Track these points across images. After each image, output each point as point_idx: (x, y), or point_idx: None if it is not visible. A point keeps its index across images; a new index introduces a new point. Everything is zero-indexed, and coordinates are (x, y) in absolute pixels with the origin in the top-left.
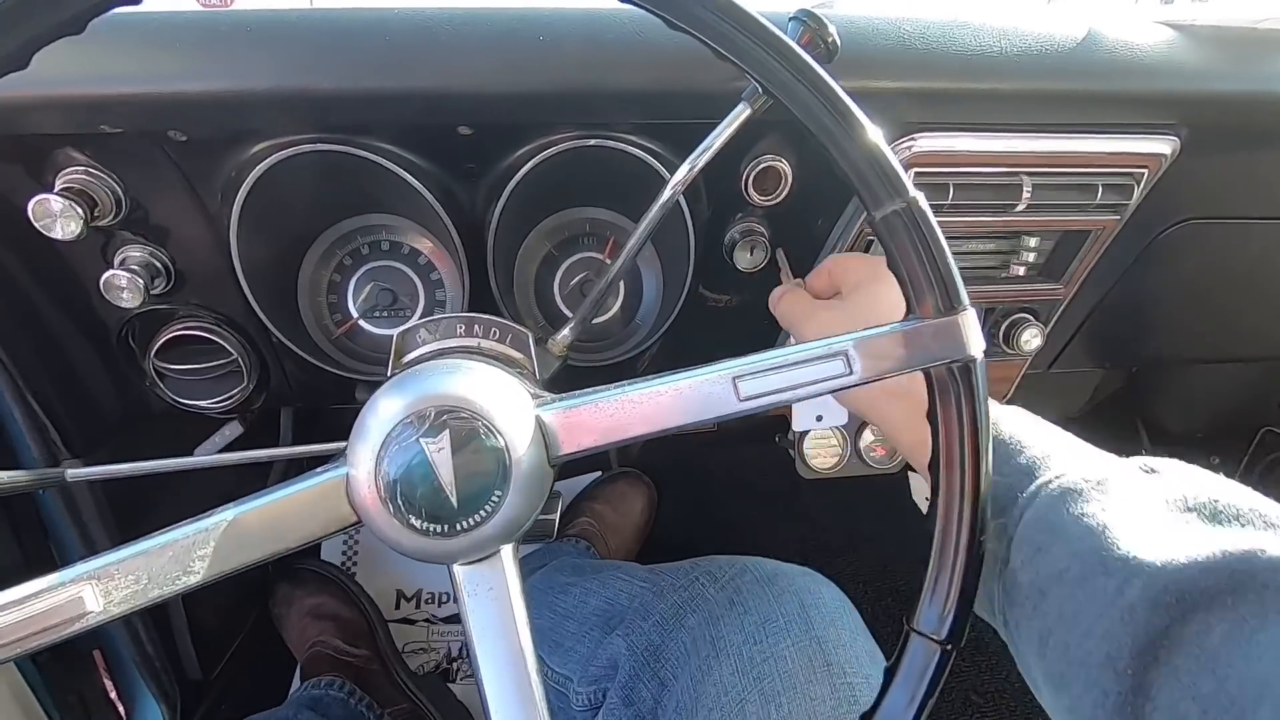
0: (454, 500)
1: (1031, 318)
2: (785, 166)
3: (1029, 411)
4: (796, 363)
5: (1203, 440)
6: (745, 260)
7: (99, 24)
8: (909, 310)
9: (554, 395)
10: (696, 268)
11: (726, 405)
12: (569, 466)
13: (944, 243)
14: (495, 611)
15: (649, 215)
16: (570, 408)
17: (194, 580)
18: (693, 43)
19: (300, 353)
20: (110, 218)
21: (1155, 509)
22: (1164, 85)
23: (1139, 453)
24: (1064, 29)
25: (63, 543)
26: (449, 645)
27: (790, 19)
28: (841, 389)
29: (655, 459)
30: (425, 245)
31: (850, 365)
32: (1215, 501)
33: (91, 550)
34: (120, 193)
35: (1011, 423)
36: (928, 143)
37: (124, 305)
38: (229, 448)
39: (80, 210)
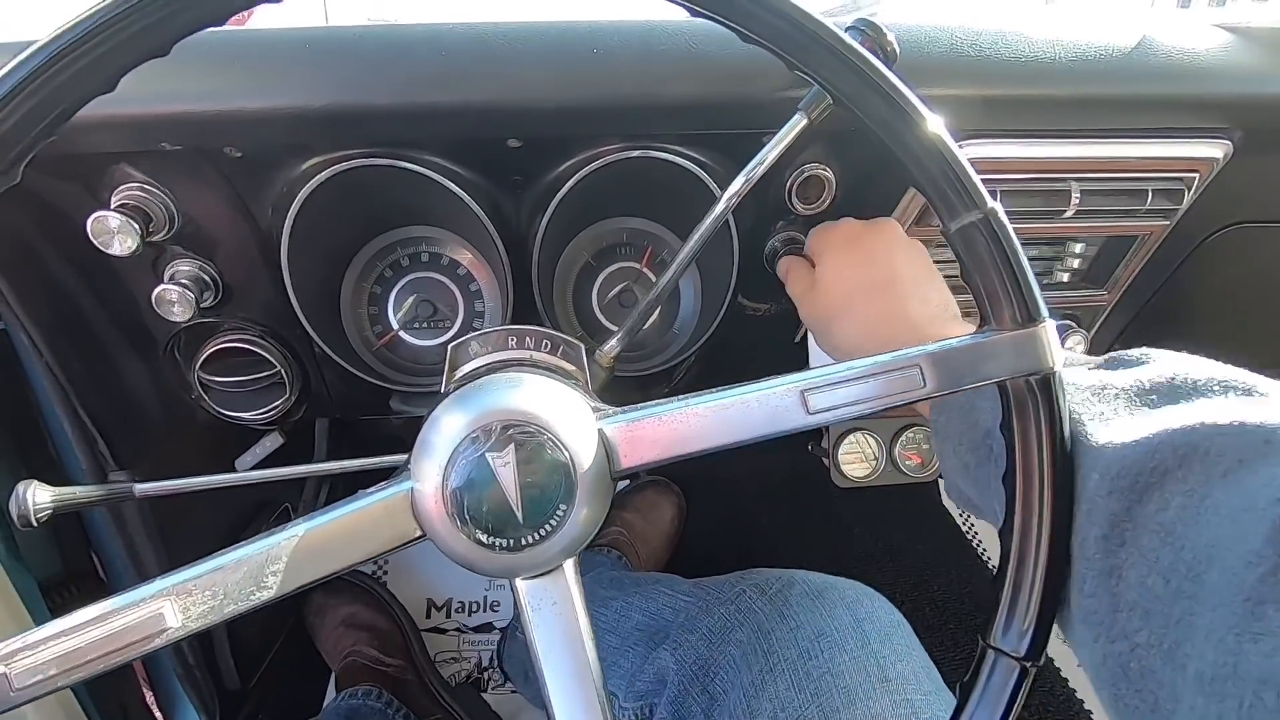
0: (519, 515)
1: (1074, 324)
2: (829, 175)
3: None
4: (867, 375)
5: None
6: None
7: None
8: (983, 322)
9: (614, 408)
10: (738, 278)
11: (794, 419)
12: None
13: (1023, 254)
14: (560, 626)
15: (702, 226)
16: (633, 420)
17: (267, 595)
18: (744, 54)
19: (343, 364)
20: (163, 233)
21: (1118, 398)
22: (1217, 88)
23: None
24: (1116, 34)
25: (109, 554)
26: (479, 654)
27: (847, 29)
28: (914, 401)
29: (682, 467)
30: (465, 257)
31: (924, 378)
32: (1173, 379)
33: (136, 561)
34: (173, 208)
35: None
36: (976, 150)
37: (174, 319)
38: (270, 458)
39: (136, 226)
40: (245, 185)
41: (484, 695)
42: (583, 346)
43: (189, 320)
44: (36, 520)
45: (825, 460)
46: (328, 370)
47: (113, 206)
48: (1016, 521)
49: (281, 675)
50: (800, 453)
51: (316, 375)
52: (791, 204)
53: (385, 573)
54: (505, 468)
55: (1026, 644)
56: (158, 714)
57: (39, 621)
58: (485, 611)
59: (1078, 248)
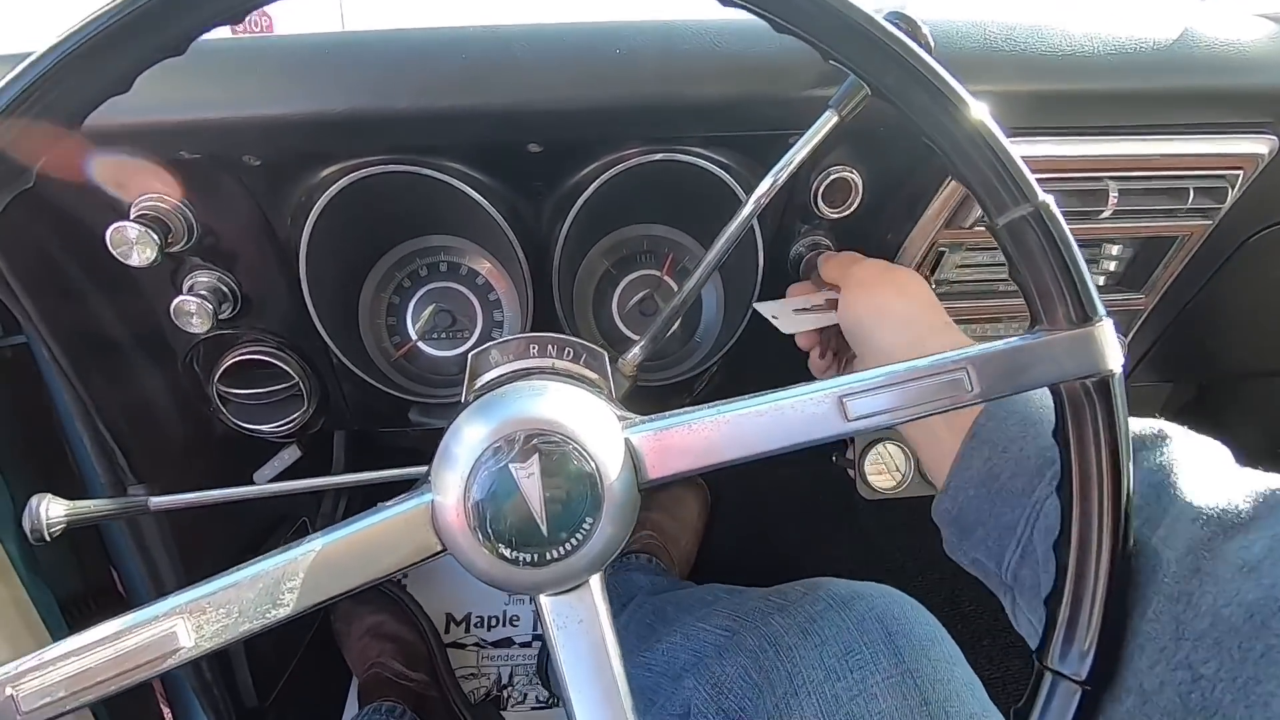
0: (544, 528)
1: None
2: (856, 178)
3: None
4: (909, 379)
5: None
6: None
7: None
8: (1034, 321)
9: (641, 416)
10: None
11: (832, 426)
12: None
13: (1077, 249)
14: (587, 645)
15: (728, 229)
16: (661, 429)
17: (283, 613)
18: (771, 52)
19: (361, 375)
20: (182, 244)
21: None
22: (1262, 81)
23: None
24: (1156, 26)
25: (127, 569)
26: (499, 671)
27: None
28: (961, 407)
29: (705, 476)
30: (483, 266)
31: (971, 382)
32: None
33: (154, 576)
34: (191, 218)
35: None
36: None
37: (192, 330)
38: (288, 471)
39: (155, 237)
40: (264, 194)
41: (504, 713)
42: (606, 354)
43: (207, 332)
44: (50, 535)
45: (850, 471)
46: (346, 382)
47: (132, 217)
48: (1074, 534)
49: (299, 691)
50: (824, 464)
51: (335, 387)
52: (818, 207)
53: (404, 585)
54: (529, 479)
55: (1089, 666)
56: None
57: (57, 638)
58: (505, 626)
59: (1114, 250)
